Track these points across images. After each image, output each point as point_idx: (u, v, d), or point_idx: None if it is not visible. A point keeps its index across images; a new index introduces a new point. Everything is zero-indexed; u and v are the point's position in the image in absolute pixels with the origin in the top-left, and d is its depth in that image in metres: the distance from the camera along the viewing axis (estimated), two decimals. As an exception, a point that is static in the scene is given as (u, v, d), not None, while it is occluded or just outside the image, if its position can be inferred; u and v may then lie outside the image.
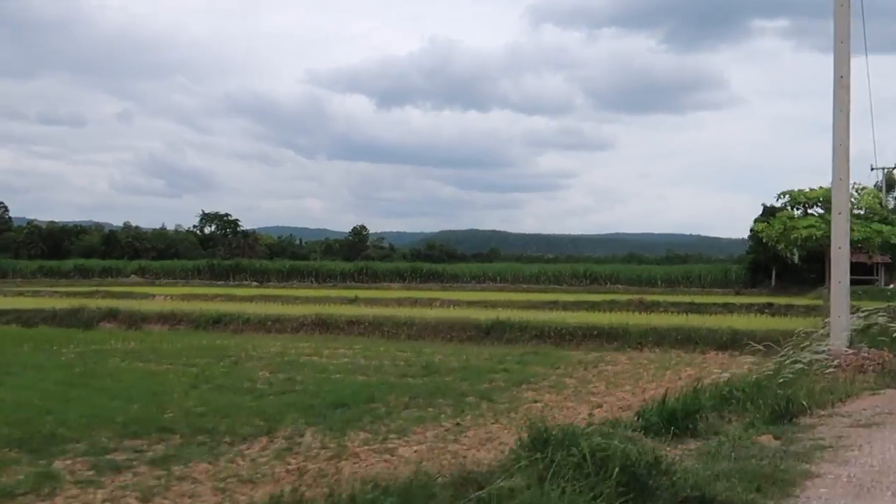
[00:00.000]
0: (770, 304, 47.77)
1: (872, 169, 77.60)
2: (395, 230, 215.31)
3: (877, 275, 65.35)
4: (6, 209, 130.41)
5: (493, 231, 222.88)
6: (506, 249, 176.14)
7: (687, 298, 50.65)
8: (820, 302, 57.79)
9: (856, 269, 64.90)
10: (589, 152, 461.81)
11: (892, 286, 63.01)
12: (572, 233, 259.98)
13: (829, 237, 41.67)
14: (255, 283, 70.75)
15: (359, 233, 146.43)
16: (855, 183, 40.47)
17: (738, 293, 68.17)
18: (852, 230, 42.92)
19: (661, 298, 50.67)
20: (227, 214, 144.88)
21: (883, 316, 20.18)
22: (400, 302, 48.88)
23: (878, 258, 65.30)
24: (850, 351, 16.85)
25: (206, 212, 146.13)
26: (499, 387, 19.95)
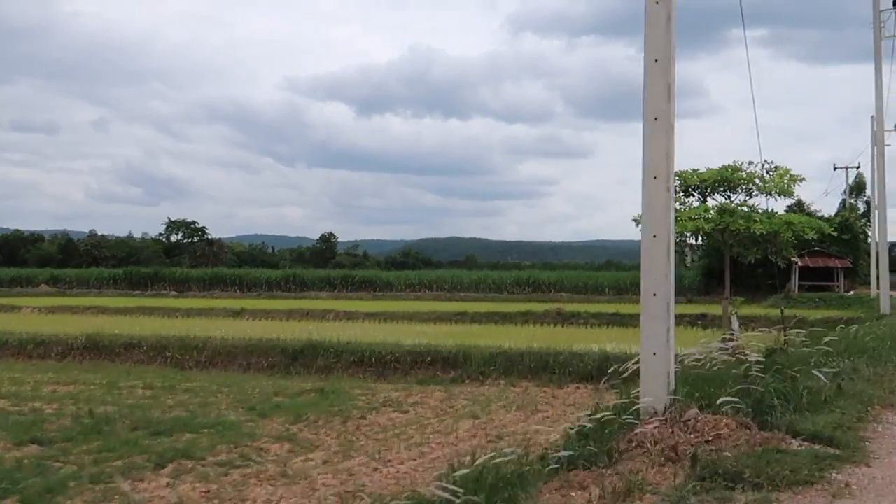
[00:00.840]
0: (704, 315, 40.36)
1: (835, 168, 70.30)
2: (375, 238, 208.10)
3: (837, 280, 57.79)
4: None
5: (474, 238, 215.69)
6: (486, 257, 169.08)
7: (612, 308, 43.08)
8: (775, 311, 50.51)
9: (816, 273, 57.46)
10: (569, 159, 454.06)
11: (852, 293, 55.53)
12: (553, 240, 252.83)
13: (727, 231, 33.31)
14: (174, 293, 63.37)
15: (327, 240, 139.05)
16: (766, 161, 32.35)
17: (689, 301, 60.74)
18: (755, 220, 35.20)
19: (584, 309, 43.10)
20: (193, 222, 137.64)
21: (728, 348, 12.23)
22: (290, 314, 41.61)
23: (836, 262, 57.89)
24: (662, 417, 9.11)
25: (173, 219, 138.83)
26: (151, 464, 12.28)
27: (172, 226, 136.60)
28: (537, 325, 37.54)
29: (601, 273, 68.11)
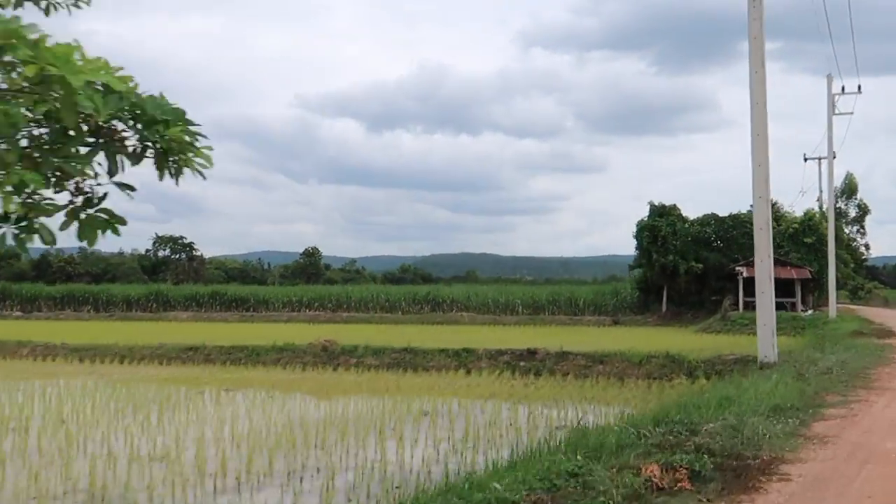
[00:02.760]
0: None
1: (805, 160, 54.81)
2: (387, 254, 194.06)
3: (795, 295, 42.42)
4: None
5: (484, 254, 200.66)
6: (496, 272, 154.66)
7: (456, 337, 28.56)
8: (707, 337, 35.56)
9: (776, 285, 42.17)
10: (580, 175, 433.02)
11: (810, 312, 40.22)
12: (564, 255, 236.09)
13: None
14: (17, 313, 50.19)
15: (311, 254, 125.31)
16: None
17: (615, 322, 45.82)
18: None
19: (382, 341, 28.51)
20: (181, 237, 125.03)
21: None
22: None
23: (793, 271, 42.44)
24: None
25: (160, 234, 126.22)
26: None
27: (160, 241, 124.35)
28: (287, 368, 23.48)
29: (539, 288, 53.20)
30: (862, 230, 67.47)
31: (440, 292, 49.17)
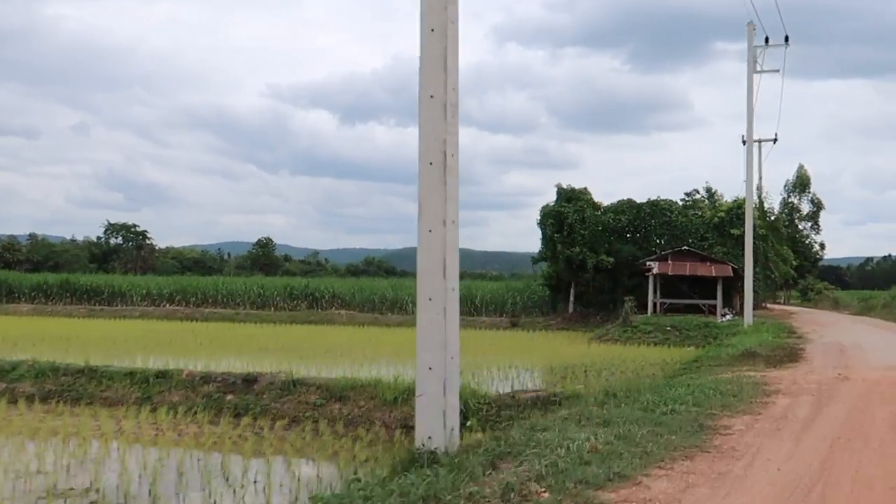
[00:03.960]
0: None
1: (744, 143, 46.10)
2: (358, 246, 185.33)
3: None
4: None
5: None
6: (468, 267, 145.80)
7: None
8: (602, 349, 27.10)
9: (697, 284, 33.46)
10: (554, 171, 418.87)
11: (729, 317, 31.63)
12: (535, 251, 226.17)
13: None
14: None
15: (264, 245, 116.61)
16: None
17: (513, 324, 37.32)
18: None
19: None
20: (134, 225, 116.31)
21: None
22: None
23: (711, 268, 33.90)
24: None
25: (112, 222, 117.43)
26: None
27: (112, 229, 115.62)
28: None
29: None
30: (816, 227, 58.88)
31: (319, 286, 40.79)
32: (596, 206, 37.42)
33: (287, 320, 37.06)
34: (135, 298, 40.92)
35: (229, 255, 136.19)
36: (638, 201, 37.82)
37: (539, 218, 37.43)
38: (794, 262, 45.35)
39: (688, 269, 32.79)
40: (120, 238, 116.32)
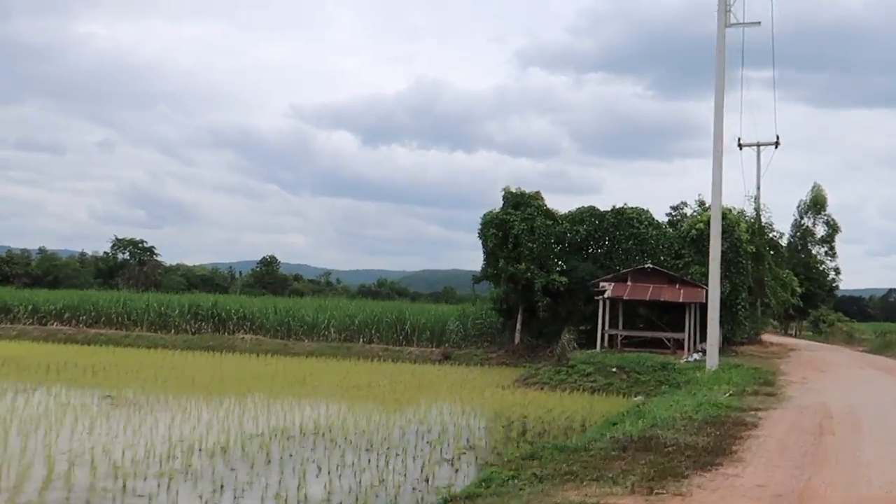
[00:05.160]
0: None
1: (741, 147, 37.58)
2: (377, 268, 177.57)
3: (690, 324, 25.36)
4: None
5: (474, 271, 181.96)
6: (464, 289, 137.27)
7: None
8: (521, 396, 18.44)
9: (669, 312, 25.49)
10: (575, 195, 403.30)
11: (697, 356, 23.02)
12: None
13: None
14: None
15: (269, 263, 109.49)
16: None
17: (445, 357, 29.16)
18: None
19: None
20: (142, 241, 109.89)
21: None
22: None
23: (684, 292, 25.43)
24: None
25: (120, 237, 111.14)
26: None
27: (119, 244, 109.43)
28: None
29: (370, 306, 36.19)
30: (831, 252, 49.79)
31: (226, 306, 33.07)
32: (550, 215, 29.20)
33: (182, 345, 29.45)
34: (21, 315, 33.58)
35: (241, 273, 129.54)
36: (600, 209, 29.55)
37: (479, 227, 29.28)
38: (800, 289, 36.65)
39: (650, 292, 24.39)
40: (127, 254, 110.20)
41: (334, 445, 11.23)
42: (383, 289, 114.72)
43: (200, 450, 10.42)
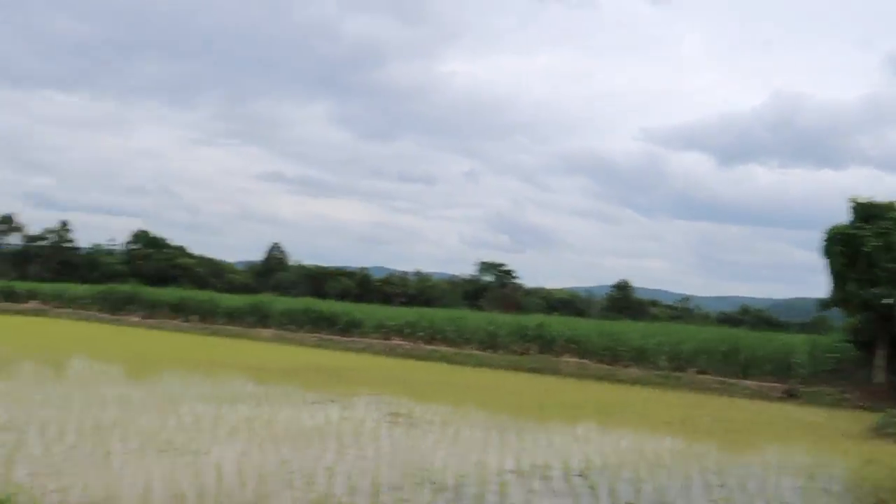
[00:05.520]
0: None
1: None
2: (740, 294, 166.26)
3: None
4: (282, 251, 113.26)
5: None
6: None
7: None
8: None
9: None
10: None
11: None
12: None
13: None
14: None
15: (623, 287, 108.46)
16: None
17: (789, 395, 25.23)
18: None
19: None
20: (502, 264, 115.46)
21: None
22: None
23: None
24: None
25: (485, 261, 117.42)
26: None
27: (483, 268, 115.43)
28: None
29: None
30: None
31: (551, 327, 31.90)
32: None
33: (507, 365, 29.36)
34: (367, 329, 35.91)
35: (598, 297, 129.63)
36: None
37: (823, 244, 25.25)
38: None
39: None
40: (491, 276, 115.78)
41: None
42: (747, 317, 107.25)
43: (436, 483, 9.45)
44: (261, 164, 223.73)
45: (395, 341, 34.37)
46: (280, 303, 39.53)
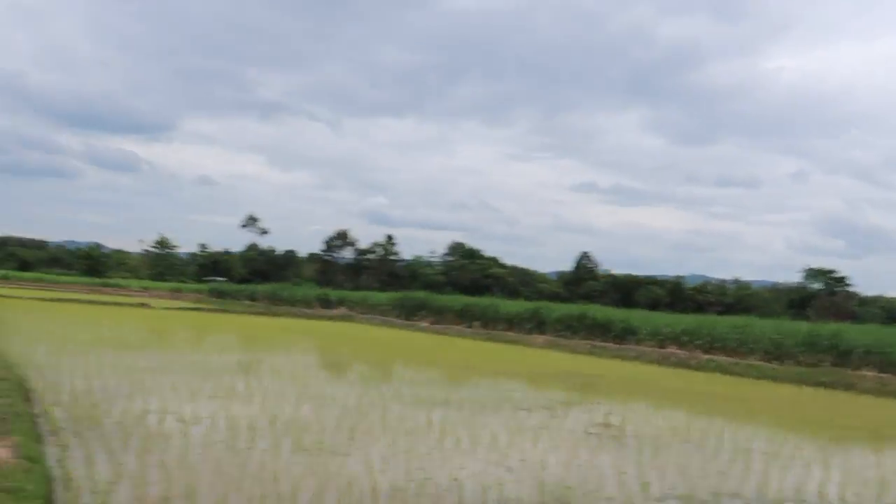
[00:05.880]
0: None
1: None
2: None
3: None
4: (591, 260, 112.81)
5: None
6: None
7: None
8: None
9: None
10: None
11: None
12: None
13: None
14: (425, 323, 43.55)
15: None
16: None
17: None
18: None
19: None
20: (832, 271, 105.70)
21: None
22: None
23: None
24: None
25: (813, 267, 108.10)
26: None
27: (809, 274, 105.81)
28: None
29: None
30: None
31: (849, 337, 27.29)
32: None
33: (791, 378, 26.01)
34: (642, 336, 33.78)
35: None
36: None
37: None
38: None
39: None
40: (820, 284, 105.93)
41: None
42: None
43: None
44: (574, 175, 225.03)
45: (670, 349, 32.07)
46: (556, 309, 38.74)
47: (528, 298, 62.20)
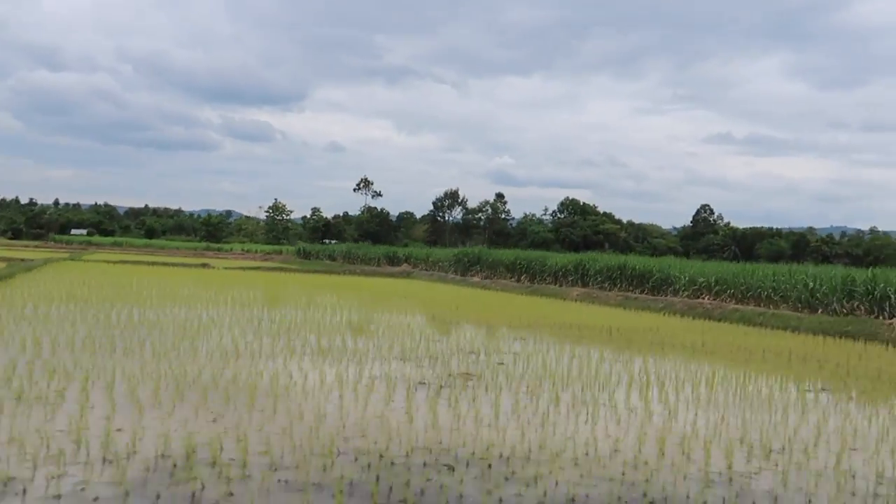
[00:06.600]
0: None
1: None
2: None
3: None
4: (711, 213, 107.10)
5: None
6: None
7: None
8: None
9: None
10: None
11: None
12: None
13: None
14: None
15: None
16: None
17: None
18: None
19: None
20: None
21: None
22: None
23: None
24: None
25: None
26: None
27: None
28: None
29: None
30: None
31: (888, 282, 23.56)
32: None
33: (814, 328, 23.02)
34: (678, 287, 30.98)
35: None
36: None
37: None
38: None
39: None
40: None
41: None
42: None
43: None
44: (709, 126, 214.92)
45: (702, 300, 29.37)
46: (599, 260, 36.43)
47: (640, 254, 59.05)
